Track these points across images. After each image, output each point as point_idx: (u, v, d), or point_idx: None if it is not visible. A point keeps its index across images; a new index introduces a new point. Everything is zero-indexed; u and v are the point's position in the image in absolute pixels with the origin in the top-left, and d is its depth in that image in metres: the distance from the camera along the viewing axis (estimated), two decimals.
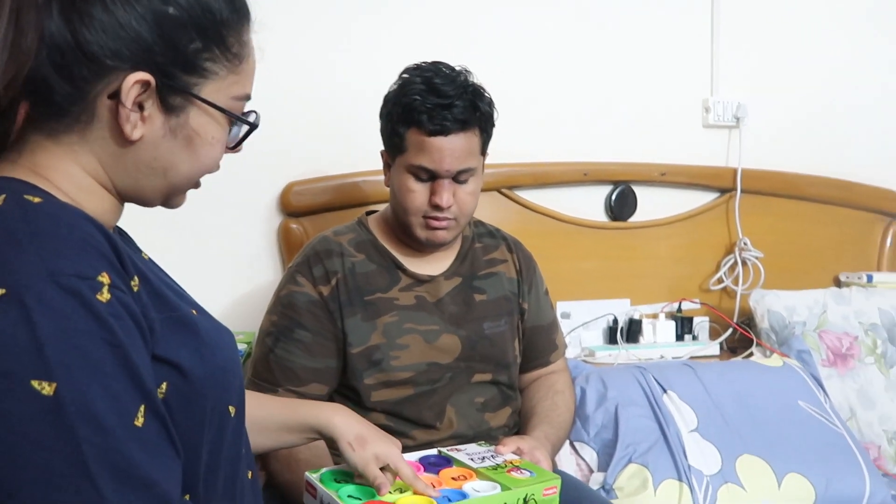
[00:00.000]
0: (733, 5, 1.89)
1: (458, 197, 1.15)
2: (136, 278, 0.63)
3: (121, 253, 0.62)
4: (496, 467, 0.97)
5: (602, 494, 1.29)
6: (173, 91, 0.65)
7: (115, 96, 0.64)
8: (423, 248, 1.21)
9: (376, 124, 1.24)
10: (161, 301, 0.65)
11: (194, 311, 0.70)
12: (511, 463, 0.99)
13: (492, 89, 1.23)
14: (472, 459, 1.00)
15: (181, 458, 0.62)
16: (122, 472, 0.56)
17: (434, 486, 0.91)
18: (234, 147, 0.75)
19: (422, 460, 1.00)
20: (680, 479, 1.30)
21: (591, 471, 1.36)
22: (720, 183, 1.89)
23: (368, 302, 1.17)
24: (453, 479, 0.95)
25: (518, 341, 1.28)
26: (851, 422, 1.57)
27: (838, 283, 1.97)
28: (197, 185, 0.74)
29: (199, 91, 0.67)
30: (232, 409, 0.71)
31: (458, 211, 1.16)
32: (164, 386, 0.63)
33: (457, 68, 1.17)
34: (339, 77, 1.60)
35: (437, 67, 1.15)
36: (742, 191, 1.86)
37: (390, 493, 0.88)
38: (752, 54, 1.93)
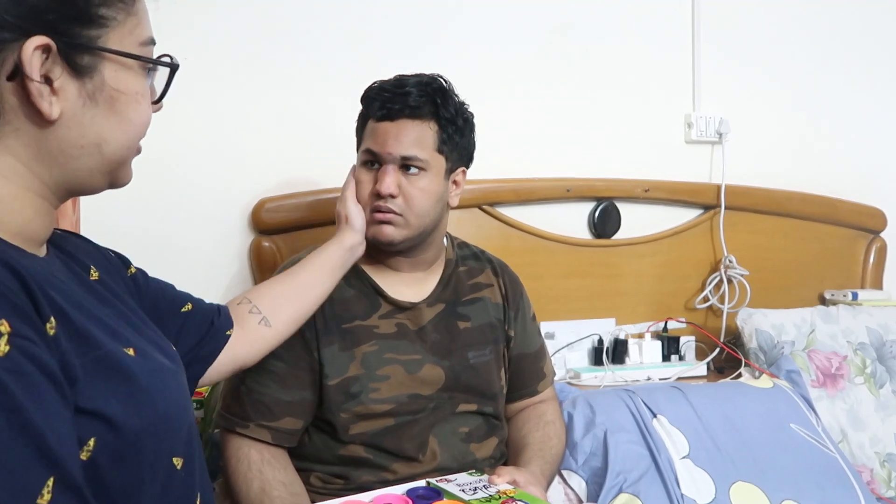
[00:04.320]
0: (715, 20, 1.87)
1: (404, 189, 1.07)
2: (52, 320, 0.54)
3: (33, 291, 0.53)
4: (489, 499, 0.91)
5: None
6: (78, 49, 0.58)
7: (16, 75, 0.55)
8: (384, 256, 1.14)
9: (351, 137, 1.19)
10: (84, 342, 0.57)
11: (131, 351, 0.61)
12: (505, 494, 0.93)
13: (473, 103, 1.19)
14: (463, 491, 0.93)
15: None
16: None
17: None
18: (160, 99, 0.67)
19: (409, 493, 0.93)
20: None
21: (581, 501, 1.29)
22: (704, 199, 1.85)
23: (346, 330, 1.09)
24: None
25: (504, 370, 1.21)
26: (843, 444, 1.52)
27: (823, 301, 1.94)
28: (138, 150, 0.66)
29: (105, 43, 0.59)
30: (178, 462, 0.63)
31: (405, 205, 1.07)
32: (91, 442, 0.55)
33: (432, 73, 1.13)
34: (314, 89, 1.54)
35: (415, 74, 1.12)
36: (726, 207, 1.83)
37: None
38: (735, 69, 1.91)
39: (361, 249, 1.09)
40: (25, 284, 0.53)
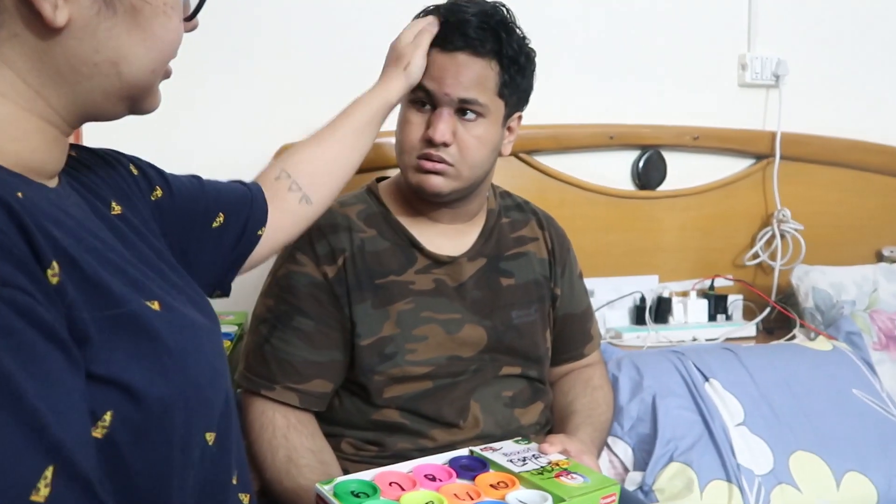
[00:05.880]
0: None
1: (459, 137, 0.96)
2: (55, 265, 0.44)
3: (29, 230, 0.43)
4: (542, 471, 0.82)
5: (640, 497, 1.15)
6: None
7: None
8: (423, 206, 1.03)
9: None
10: (97, 294, 0.47)
11: (155, 305, 0.51)
12: (558, 465, 0.84)
13: None
14: (511, 462, 0.85)
15: None
16: None
17: (471, 498, 0.76)
18: (194, 14, 0.56)
19: (452, 463, 0.85)
20: (728, 480, 1.15)
21: (627, 470, 1.21)
22: (757, 148, 1.72)
23: (380, 286, 0.99)
24: (492, 486, 0.80)
25: (549, 331, 1.11)
26: None
27: (881, 258, 1.82)
28: (167, 73, 0.56)
29: None
30: (210, 437, 0.53)
31: (458, 155, 0.96)
32: (107, 417, 0.46)
33: (493, 1, 0.99)
34: (342, 26, 1.42)
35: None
36: (781, 157, 1.70)
37: None
38: (795, 5, 1.75)
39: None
40: (20, 221, 0.43)
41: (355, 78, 1.39)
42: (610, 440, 1.24)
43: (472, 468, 0.84)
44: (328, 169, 0.89)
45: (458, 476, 0.82)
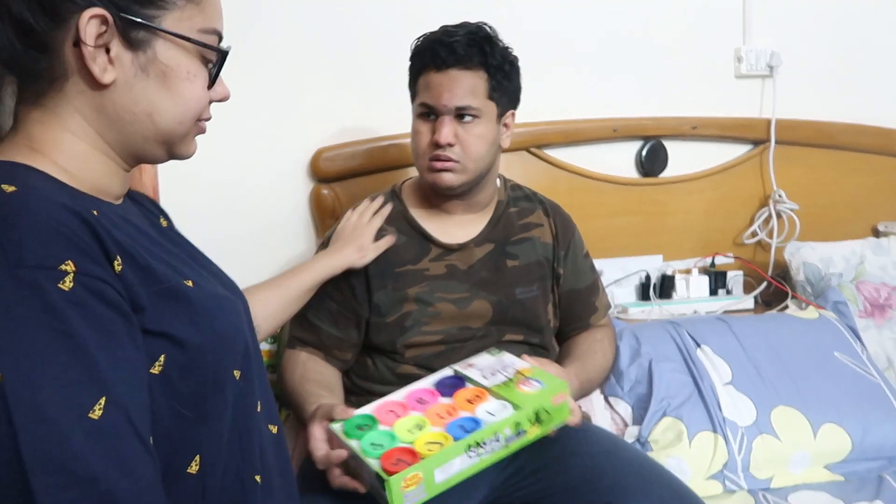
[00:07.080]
0: None
1: (461, 137, 1.14)
2: (118, 258, 0.63)
3: (100, 235, 0.62)
4: (507, 382, 0.99)
5: (637, 447, 1.31)
6: (133, 25, 0.66)
7: (80, 42, 0.64)
8: (439, 201, 1.22)
9: (406, 87, 1.25)
10: (148, 276, 0.66)
11: (189, 283, 0.70)
12: (522, 374, 1.01)
13: (518, 46, 1.23)
14: (484, 377, 1.02)
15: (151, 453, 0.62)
16: (57, 464, 0.55)
17: (449, 413, 0.94)
18: (211, 84, 0.71)
19: (437, 385, 1.03)
20: (715, 431, 1.31)
21: (626, 424, 1.38)
22: (753, 134, 1.85)
23: (399, 273, 1.20)
24: (468, 401, 0.98)
25: (553, 305, 1.28)
26: (888, 371, 1.55)
27: (876, 234, 1.93)
28: (200, 129, 0.74)
29: (160, 23, 0.67)
30: (237, 373, 0.73)
31: (463, 153, 1.14)
32: (161, 358, 0.65)
33: (476, 22, 1.18)
34: (368, 39, 1.59)
35: (460, 23, 1.17)
36: (776, 142, 1.83)
37: (409, 431, 0.92)
38: (786, 0, 1.87)
39: None
40: (94, 231, 0.62)
41: (380, 83, 1.57)
42: (612, 400, 1.41)
43: (453, 385, 1.02)
44: (282, 309, 1.13)
45: (442, 395, 1.00)
